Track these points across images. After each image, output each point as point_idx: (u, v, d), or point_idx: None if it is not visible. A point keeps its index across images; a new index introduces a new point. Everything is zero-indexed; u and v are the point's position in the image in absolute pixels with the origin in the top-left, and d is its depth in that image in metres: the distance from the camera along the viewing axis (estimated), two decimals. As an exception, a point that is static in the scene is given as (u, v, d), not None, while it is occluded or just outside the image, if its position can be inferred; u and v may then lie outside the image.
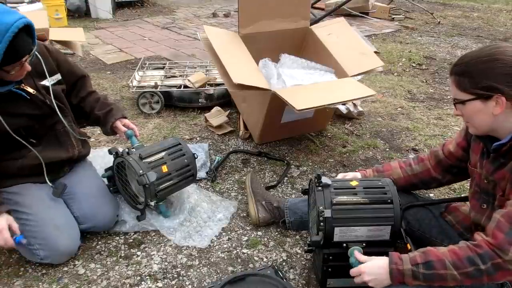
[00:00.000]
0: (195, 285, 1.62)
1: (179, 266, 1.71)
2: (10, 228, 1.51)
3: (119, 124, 1.87)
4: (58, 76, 1.74)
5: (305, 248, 1.74)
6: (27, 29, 1.42)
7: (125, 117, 1.92)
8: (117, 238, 1.85)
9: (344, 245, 1.40)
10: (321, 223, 1.37)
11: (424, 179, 1.62)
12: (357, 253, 1.35)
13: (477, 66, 1.20)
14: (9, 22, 1.34)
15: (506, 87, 1.15)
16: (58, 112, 1.69)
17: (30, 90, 1.61)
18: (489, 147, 1.29)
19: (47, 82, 1.67)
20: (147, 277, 1.65)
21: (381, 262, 1.26)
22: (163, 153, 1.86)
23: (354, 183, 1.46)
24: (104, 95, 2.03)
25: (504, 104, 1.17)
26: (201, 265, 1.71)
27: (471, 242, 1.20)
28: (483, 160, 1.34)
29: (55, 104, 1.68)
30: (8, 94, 1.55)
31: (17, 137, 1.57)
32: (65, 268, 1.68)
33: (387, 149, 2.64)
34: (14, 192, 1.67)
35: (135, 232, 1.88)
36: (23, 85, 1.59)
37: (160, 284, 1.61)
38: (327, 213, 1.37)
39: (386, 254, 1.36)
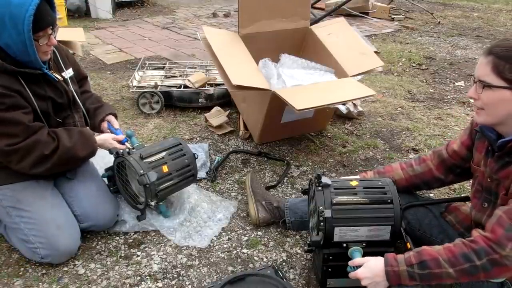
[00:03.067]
0: (195, 285, 1.62)
1: (179, 266, 1.71)
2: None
3: (105, 125, 1.94)
4: (71, 71, 1.82)
5: (305, 248, 1.74)
6: (48, 0, 1.54)
7: (114, 114, 1.99)
8: (117, 238, 1.85)
9: (344, 245, 1.40)
10: (321, 223, 1.37)
11: (426, 179, 1.61)
12: (352, 261, 1.34)
13: None
14: None
15: None
16: (78, 101, 1.81)
17: (58, 76, 1.71)
18: (494, 145, 1.28)
19: (65, 74, 1.77)
20: (147, 277, 1.65)
21: (377, 265, 1.25)
22: (163, 153, 1.86)
23: (354, 183, 1.46)
24: (97, 95, 2.09)
25: None
26: (201, 265, 1.71)
27: (467, 239, 1.19)
28: (488, 159, 1.33)
29: (75, 93, 1.78)
30: (38, 77, 1.62)
31: (42, 117, 1.64)
32: (65, 268, 1.69)
33: (387, 149, 2.64)
34: (18, 189, 1.67)
35: (135, 232, 1.88)
36: (51, 71, 1.69)
37: (160, 284, 1.62)
38: (327, 213, 1.37)
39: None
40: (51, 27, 1.55)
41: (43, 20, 1.50)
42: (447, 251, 1.18)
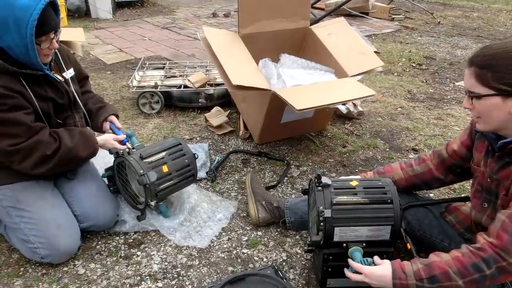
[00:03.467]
0: (195, 285, 1.62)
1: (179, 266, 1.71)
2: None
3: (107, 125, 1.93)
4: (72, 71, 1.82)
5: (305, 248, 1.74)
6: (53, 4, 1.53)
7: (116, 115, 1.98)
8: (117, 238, 1.85)
9: (344, 245, 1.40)
10: (321, 223, 1.37)
11: (426, 179, 1.61)
12: (362, 268, 1.32)
13: (503, 60, 1.12)
14: None
15: None
16: (79, 101, 1.80)
17: (59, 77, 1.71)
18: (494, 146, 1.28)
19: (66, 75, 1.77)
20: (147, 277, 1.65)
21: (385, 274, 1.24)
22: (163, 153, 1.86)
23: (354, 183, 1.46)
24: (99, 95, 2.08)
25: None
26: (201, 265, 1.71)
27: (474, 246, 1.18)
28: (488, 159, 1.33)
29: (76, 94, 1.78)
30: (40, 78, 1.62)
31: (43, 118, 1.65)
32: (65, 268, 1.69)
33: (387, 149, 2.64)
34: (18, 189, 1.67)
35: (135, 232, 1.88)
36: (53, 72, 1.69)
37: (160, 284, 1.62)
38: (327, 213, 1.37)
39: (386, 254, 1.36)
40: (54, 31, 1.55)
41: (46, 24, 1.50)
42: (456, 261, 1.17)
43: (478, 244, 1.18)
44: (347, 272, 1.36)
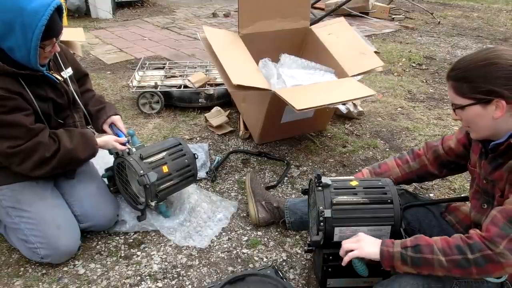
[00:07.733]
0: (195, 285, 1.62)
1: (179, 266, 1.71)
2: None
3: (106, 127, 1.92)
4: (70, 70, 1.81)
5: (305, 248, 1.74)
6: (59, 10, 1.55)
7: (117, 114, 1.96)
8: (117, 238, 1.86)
9: (344, 245, 1.40)
10: (321, 223, 1.37)
11: (421, 174, 1.65)
12: (346, 243, 1.34)
13: (474, 70, 1.18)
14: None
15: (505, 90, 1.14)
16: (78, 100, 1.80)
17: (58, 76, 1.71)
18: (487, 147, 1.29)
19: (64, 74, 1.77)
20: (147, 277, 1.65)
21: (374, 245, 1.28)
22: (163, 153, 1.86)
23: (354, 183, 1.46)
24: (100, 94, 2.07)
25: (504, 108, 1.16)
26: (201, 265, 1.71)
27: (465, 235, 1.21)
28: (482, 160, 1.34)
29: (74, 93, 1.78)
30: (39, 78, 1.62)
31: (43, 118, 1.65)
32: (65, 268, 1.69)
33: (387, 149, 2.64)
34: (17, 189, 1.67)
35: (135, 232, 1.88)
36: (51, 72, 1.69)
37: (160, 284, 1.62)
38: (327, 213, 1.37)
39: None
40: (59, 35, 1.57)
41: (52, 30, 1.50)
42: (443, 241, 1.21)
43: (468, 235, 1.20)
44: (342, 252, 1.36)
